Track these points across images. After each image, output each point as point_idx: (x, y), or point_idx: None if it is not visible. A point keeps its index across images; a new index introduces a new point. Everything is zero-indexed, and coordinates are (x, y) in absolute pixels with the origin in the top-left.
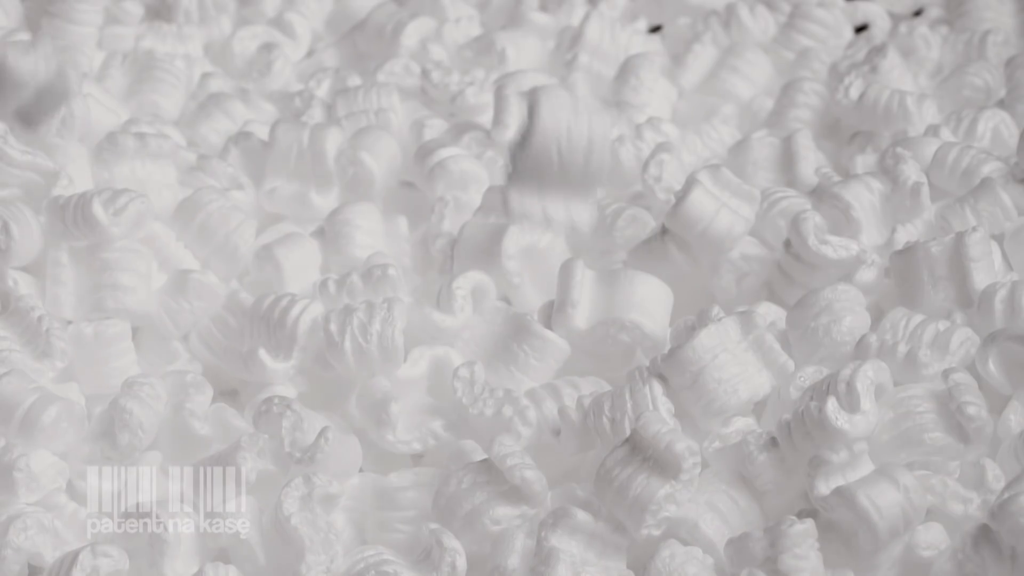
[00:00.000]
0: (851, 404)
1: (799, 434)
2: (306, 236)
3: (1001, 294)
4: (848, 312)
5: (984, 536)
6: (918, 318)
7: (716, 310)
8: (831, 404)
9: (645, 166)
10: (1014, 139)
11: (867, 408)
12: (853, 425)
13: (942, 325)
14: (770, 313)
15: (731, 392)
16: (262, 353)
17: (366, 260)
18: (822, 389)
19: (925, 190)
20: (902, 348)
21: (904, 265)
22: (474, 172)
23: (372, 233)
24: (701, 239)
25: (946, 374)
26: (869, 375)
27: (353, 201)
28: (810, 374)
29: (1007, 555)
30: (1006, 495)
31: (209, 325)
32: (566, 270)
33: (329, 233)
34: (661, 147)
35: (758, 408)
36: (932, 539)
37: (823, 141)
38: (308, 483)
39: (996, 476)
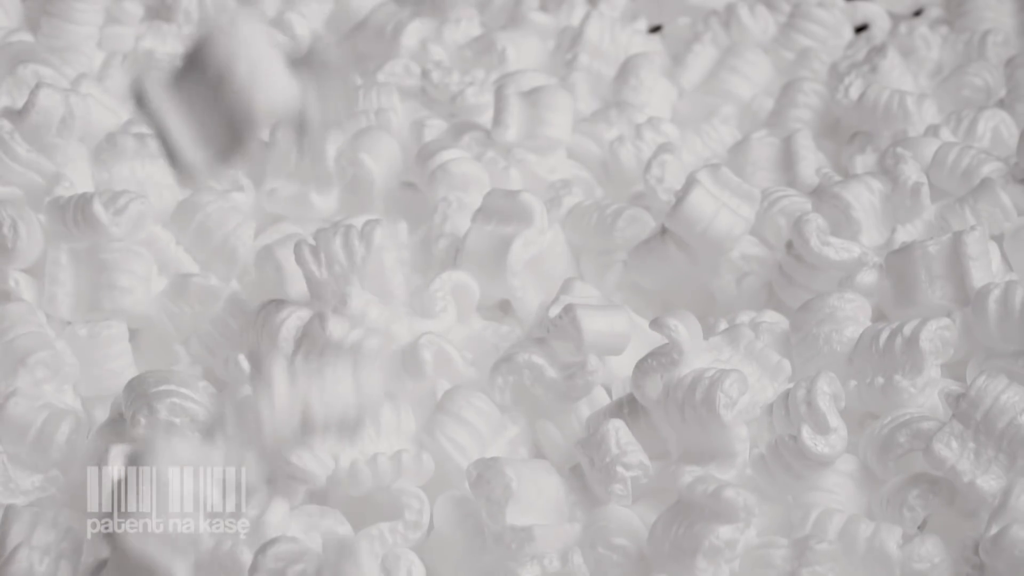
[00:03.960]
0: (820, 426)
1: (779, 467)
2: (307, 236)
3: (995, 294)
4: (851, 322)
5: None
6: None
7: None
8: (806, 432)
9: (647, 167)
10: (1014, 139)
11: (836, 424)
12: (831, 447)
13: (909, 328)
14: (765, 318)
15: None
16: (240, 358)
17: None
18: (784, 417)
19: (925, 190)
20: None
21: (901, 264)
22: (476, 174)
23: None
24: (701, 239)
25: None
26: (826, 390)
27: (354, 213)
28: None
29: None
30: (994, 529)
31: (210, 328)
32: None
33: None
34: (663, 148)
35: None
36: (927, 552)
37: (823, 141)
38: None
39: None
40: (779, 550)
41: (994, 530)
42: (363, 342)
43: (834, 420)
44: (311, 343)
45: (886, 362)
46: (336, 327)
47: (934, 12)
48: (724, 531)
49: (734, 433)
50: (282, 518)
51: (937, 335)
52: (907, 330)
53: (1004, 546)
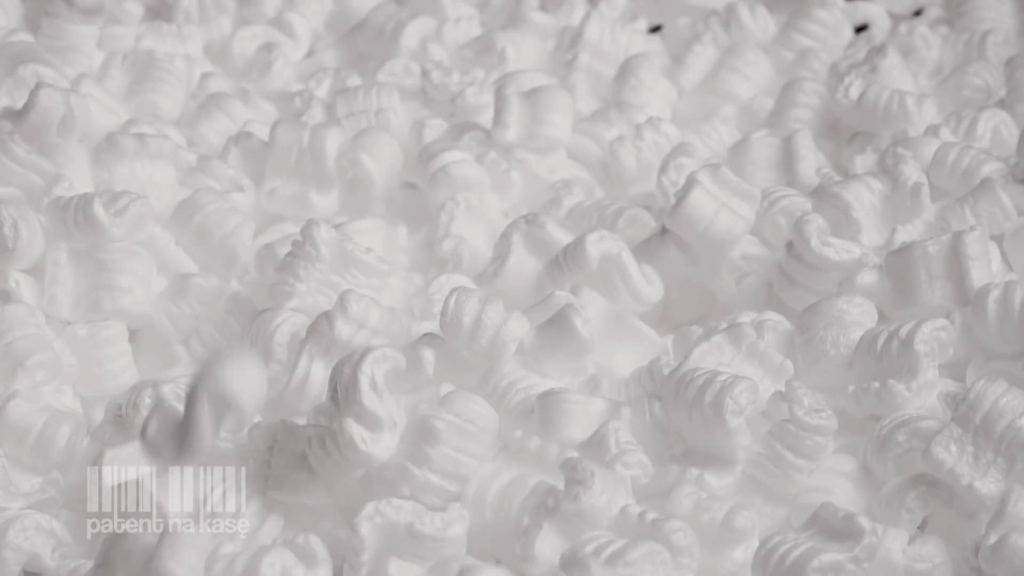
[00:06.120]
0: (809, 408)
1: (778, 460)
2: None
3: (995, 294)
4: (858, 327)
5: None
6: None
7: (699, 331)
8: (798, 410)
9: (663, 169)
10: (1014, 139)
11: (822, 407)
12: (827, 418)
13: (905, 330)
14: (767, 318)
15: None
16: None
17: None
18: (776, 412)
19: (925, 190)
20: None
21: (901, 264)
22: (476, 177)
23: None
24: (701, 239)
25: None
26: (804, 388)
27: (355, 217)
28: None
29: None
30: (993, 538)
31: (210, 328)
32: None
33: None
34: (680, 150)
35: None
36: (928, 552)
37: (823, 141)
38: None
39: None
40: None
41: (993, 539)
42: (369, 343)
43: (820, 405)
44: (316, 343)
45: (883, 366)
46: (344, 328)
47: (934, 12)
48: (736, 553)
49: (737, 440)
50: (279, 529)
51: (932, 336)
52: (903, 332)
53: (1004, 555)
